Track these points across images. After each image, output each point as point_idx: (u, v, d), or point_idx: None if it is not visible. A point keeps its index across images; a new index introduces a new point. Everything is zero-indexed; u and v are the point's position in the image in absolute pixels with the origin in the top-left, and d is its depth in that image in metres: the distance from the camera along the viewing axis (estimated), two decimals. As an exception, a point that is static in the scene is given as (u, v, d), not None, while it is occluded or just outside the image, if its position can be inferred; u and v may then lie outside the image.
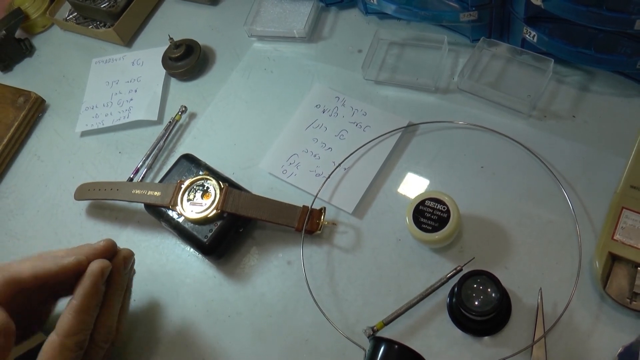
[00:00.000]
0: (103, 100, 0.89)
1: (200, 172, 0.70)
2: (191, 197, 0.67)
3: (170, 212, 0.68)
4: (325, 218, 0.67)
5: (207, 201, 0.66)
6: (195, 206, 0.67)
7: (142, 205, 0.74)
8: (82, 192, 0.78)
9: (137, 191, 0.71)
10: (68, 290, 0.57)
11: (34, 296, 0.59)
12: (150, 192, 0.70)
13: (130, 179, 0.77)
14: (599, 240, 0.58)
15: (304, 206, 0.67)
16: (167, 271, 0.71)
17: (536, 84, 0.70)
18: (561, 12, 0.62)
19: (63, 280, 0.56)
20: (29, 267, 0.55)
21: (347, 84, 0.78)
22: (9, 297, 0.54)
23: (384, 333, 0.58)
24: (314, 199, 0.69)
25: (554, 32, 0.67)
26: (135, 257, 0.72)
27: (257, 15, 0.87)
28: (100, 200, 0.78)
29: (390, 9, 0.76)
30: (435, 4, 0.74)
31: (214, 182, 0.67)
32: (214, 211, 0.66)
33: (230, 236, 0.66)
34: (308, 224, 0.66)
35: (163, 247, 0.73)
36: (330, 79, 0.80)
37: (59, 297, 0.62)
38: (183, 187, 0.68)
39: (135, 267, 0.71)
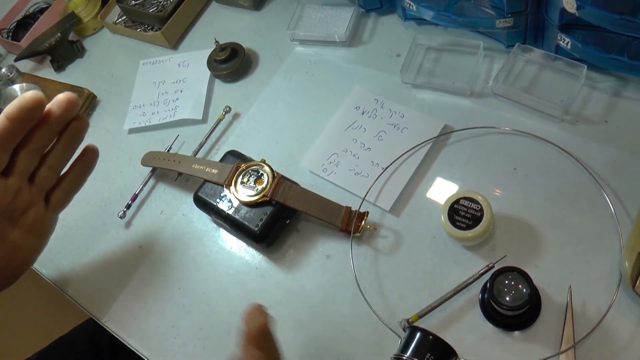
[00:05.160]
0: (150, 99, 0.94)
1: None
2: (245, 180, 0.71)
3: (220, 205, 0.71)
4: (367, 222, 0.69)
5: (259, 187, 0.70)
6: (247, 189, 0.70)
7: (187, 197, 0.79)
8: (148, 159, 0.83)
9: (197, 166, 0.75)
10: None
11: None
12: (208, 169, 0.74)
13: (179, 174, 0.81)
14: (629, 241, 0.59)
15: (346, 207, 0.69)
16: (211, 262, 0.75)
17: (569, 90, 0.72)
18: (595, 20, 0.64)
19: None
20: None
21: (386, 87, 0.81)
22: None
23: (419, 325, 0.61)
24: (362, 202, 0.71)
25: (587, 39, 0.68)
26: (180, 248, 0.77)
27: (300, 20, 0.90)
28: (163, 169, 0.82)
29: (428, 15, 0.78)
30: (472, 11, 0.76)
31: (268, 169, 0.71)
32: (264, 197, 0.69)
33: (278, 226, 0.70)
34: (351, 225, 0.69)
35: (207, 239, 0.77)
36: (369, 82, 0.83)
37: None
38: (240, 169, 0.72)
39: (180, 257, 0.76)
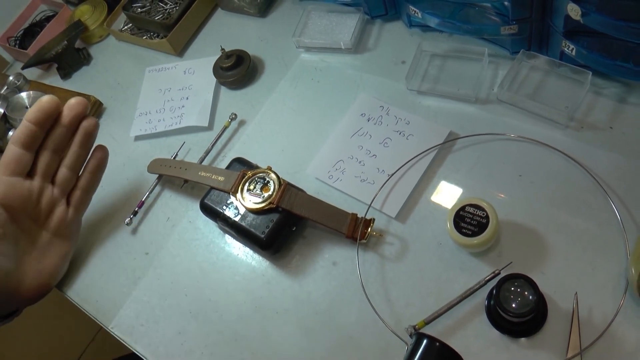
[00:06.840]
0: (156, 106, 0.94)
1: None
2: (251, 187, 0.71)
3: (226, 212, 0.71)
4: (373, 228, 0.69)
5: (266, 194, 0.70)
6: (253, 197, 0.70)
7: (194, 204, 0.80)
8: (154, 166, 0.83)
9: (203, 173, 0.76)
10: None
11: None
12: (214, 176, 0.74)
13: (185, 181, 0.81)
14: (635, 247, 0.59)
15: (352, 214, 0.69)
16: (217, 269, 0.75)
17: (574, 96, 0.72)
18: (600, 27, 0.64)
19: None
20: None
21: (391, 94, 0.81)
22: None
23: (425, 332, 0.61)
24: (368, 209, 0.72)
25: (592, 46, 0.68)
26: (186, 255, 0.77)
27: (305, 27, 0.91)
28: (169, 176, 0.83)
29: (433, 22, 0.78)
30: (477, 18, 0.76)
31: (274, 177, 0.71)
32: (270, 205, 0.69)
33: (285, 233, 0.70)
34: (357, 232, 0.69)
35: (213, 246, 0.77)
36: (375, 88, 0.83)
37: None
38: (246, 176, 0.72)
39: (187, 264, 0.76)
